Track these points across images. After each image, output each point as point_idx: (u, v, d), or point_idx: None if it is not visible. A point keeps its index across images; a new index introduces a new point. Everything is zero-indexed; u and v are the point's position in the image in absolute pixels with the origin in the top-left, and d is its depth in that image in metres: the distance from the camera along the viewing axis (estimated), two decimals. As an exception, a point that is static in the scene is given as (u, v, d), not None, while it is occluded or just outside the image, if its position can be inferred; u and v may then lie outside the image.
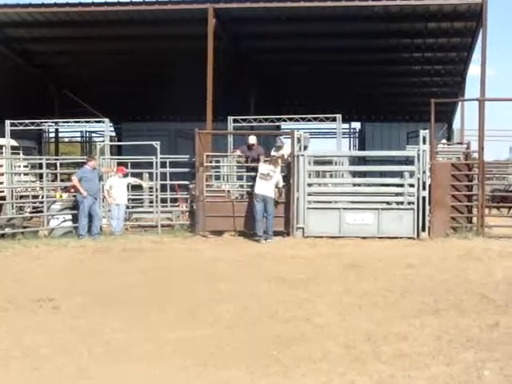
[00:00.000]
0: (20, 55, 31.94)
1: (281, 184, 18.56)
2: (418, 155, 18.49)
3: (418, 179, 18.39)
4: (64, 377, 7.07)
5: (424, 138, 18.54)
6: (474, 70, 33.63)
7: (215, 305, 10.34)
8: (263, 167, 18.71)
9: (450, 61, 31.26)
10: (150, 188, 22.79)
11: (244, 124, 25.54)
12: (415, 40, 28.71)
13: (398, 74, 34.20)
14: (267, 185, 18.31)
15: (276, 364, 7.41)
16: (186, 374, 7.13)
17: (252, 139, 21.27)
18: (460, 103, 33.19)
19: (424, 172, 18.34)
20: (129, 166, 21.53)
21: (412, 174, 18.63)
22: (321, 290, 11.42)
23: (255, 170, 19.66)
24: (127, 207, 20.87)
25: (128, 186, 20.81)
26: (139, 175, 22.45)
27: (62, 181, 24.78)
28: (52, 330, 8.92)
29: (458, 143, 29.55)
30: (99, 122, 27.99)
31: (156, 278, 12.81)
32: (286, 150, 20.35)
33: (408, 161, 21.01)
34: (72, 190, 21.08)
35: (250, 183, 20.28)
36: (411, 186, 18.54)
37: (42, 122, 28.39)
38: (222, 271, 13.09)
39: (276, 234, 18.50)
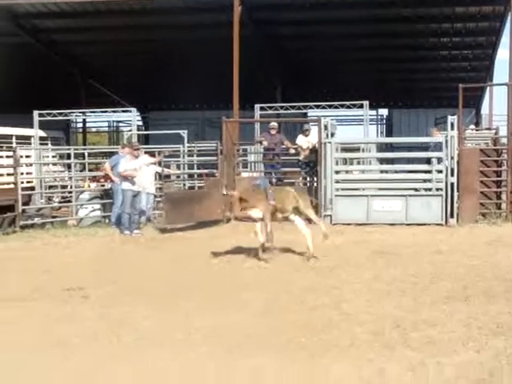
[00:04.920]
0: (47, 46, 32.07)
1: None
2: (446, 141, 18.37)
3: (446, 166, 18.28)
4: (95, 365, 7.12)
5: (452, 124, 18.40)
6: (502, 54, 33.25)
7: (243, 292, 10.35)
8: None
9: (478, 45, 31.03)
10: (178, 176, 22.86)
11: (271, 112, 25.52)
12: (443, 25, 28.51)
13: (426, 59, 33.98)
14: None
15: (304, 351, 7.41)
16: (214, 361, 7.14)
17: (273, 123, 21.47)
18: (488, 88, 32.93)
19: (452, 158, 18.21)
20: (156, 155, 21.54)
21: (440, 160, 18.51)
22: (349, 277, 11.41)
23: (277, 156, 21.15)
24: (155, 196, 20.90)
25: (156, 175, 20.83)
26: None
27: (90, 170, 24.92)
28: (82, 319, 8.97)
29: (487, 129, 29.33)
30: (126, 111, 28.08)
31: (185, 265, 12.82)
32: (313, 137, 20.33)
33: (436, 147, 20.88)
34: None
35: (269, 170, 21.30)
36: (439, 172, 18.43)
37: (69, 113, 28.56)
38: (251, 258, 13.08)
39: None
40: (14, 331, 8.47)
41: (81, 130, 44.08)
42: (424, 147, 22.89)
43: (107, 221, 19.99)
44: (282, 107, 26.15)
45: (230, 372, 6.83)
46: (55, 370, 7.02)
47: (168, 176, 21.41)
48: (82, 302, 10.08)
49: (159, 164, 19.85)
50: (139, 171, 17.79)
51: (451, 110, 25.85)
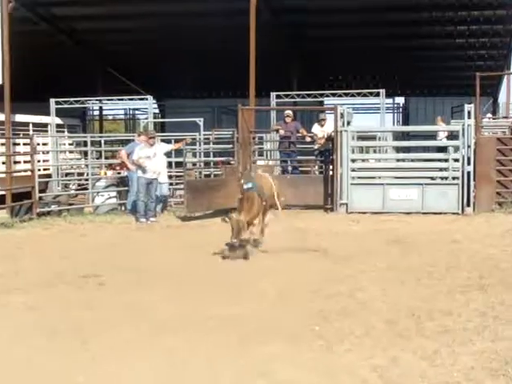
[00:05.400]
0: (65, 34, 32.14)
1: None
2: (463, 130, 18.29)
3: (463, 154, 18.21)
4: (111, 351, 7.18)
5: (469, 113, 18.32)
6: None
7: (258, 280, 10.38)
8: None
9: (495, 33, 30.83)
10: (194, 164, 22.92)
11: (287, 100, 25.50)
12: (460, 13, 28.35)
13: (443, 47, 33.75)
14: None
15: (319, 339, 7.43)
16: (229, 349, 7.17)
17: (288, 112, 21.49)
18: (506, 77, 32.75)
19: (469, 147, 18.13)
20: (172, 143, 21.55)
21: (457, 149, 18.45)
22: (364, 266, 11.40)
23: (293, 144, 21.34)
24: (170, 184, 20.95)
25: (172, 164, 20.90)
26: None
27: (106, 158, 24.99)
28: (98, 306, 9.03)
29: (504, 117, 29.21)
30: (143, 99, 28.14)
31: (200, 253, 12.82)
32: (328, 126, 20.38)
33: (452, 135, 20.82)
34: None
35: (284, 158, 21.43)
36: (456, 160, 18.36)
37: (86, 100, 28.64)
38: (266, 246, 13.08)
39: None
40: (32, 317, 8.54)
41: (97, 117, 44.20)
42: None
43: (123, 208, 20.05)
44: (298, 95, 26.11)
45: (244, 360, 6.86)
46: (72, 356, 7.07)
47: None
48: (98, 288, 10.15)
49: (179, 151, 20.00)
50: (154, 159, 17.81)
51: (468, 99, 25.75)
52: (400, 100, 43.75)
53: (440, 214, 17.82)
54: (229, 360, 6.85)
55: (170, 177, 20.85)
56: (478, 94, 18.94)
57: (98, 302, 9.26)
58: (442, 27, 30.36)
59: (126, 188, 19.88)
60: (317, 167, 21.74)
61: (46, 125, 26.47)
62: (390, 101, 40.71)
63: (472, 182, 18.13)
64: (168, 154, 20.14)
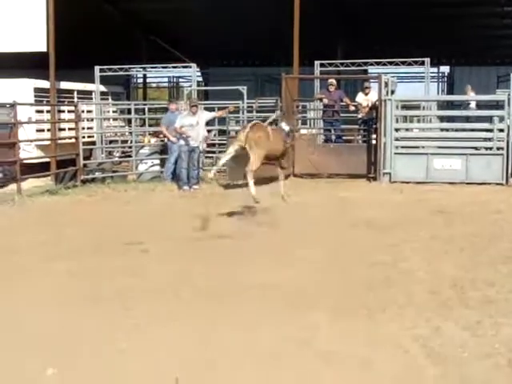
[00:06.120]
0: (108, 1, 32.17)
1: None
2: (509, 99, 18.05)
3: (508, 124, 17.99)
4: (153, 318, 7.26)
5: (515, 82, 18.09)
6: None
7: (299, 249, 10.39)
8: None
9: (544, 1, 30.25)
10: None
11: (331, 68, 25.32)
12: (508, -20, 27.89)
13: (489, 15, 33.22)
14: None
15: (362, 308, 7.45)
16: (271, 316, 7.21)
17: (331, 80, 21.37)
18: (554, 45, 32.16)
19: (515, 117, 17.92)
20: (215, 111, 21.57)
21: (502, 119, 18.22)
22: (407, 235, 11.38)
23: (336, 113, 21.19)
24: (213, 152, 21.01)
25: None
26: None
27: (150, 126, 25.07)
28: (141, 273, 9.11)
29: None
30: (186, 67, 28.15)
31: (243, 222, 12.84)
32: (372, 95, 20.27)
33: (498, 105, 20.56)
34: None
35: (328, 127, 21.41)
36: (501, 130, 18.15)
37: (130, 68, 28.72)
38: (309, 215, 13.10)
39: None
40: (75, 284, 8.67)
41: (141, 85, 44.31)
42: (486, 105, 22.65)
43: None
44: (342, 64, 25.93)
45: (286, 328, 6.89)
46: (116, 323, 7.16)
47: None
48: (141, 256, 10.23)
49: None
50: (196, 127, 17.87)
51: (515, 68, 25.34)
52: (445, 69, 43.21)
53: (484, 184, 17.67)
54: (270, 328, 6.90)
55: (213, 145, 21.01)
56: (525, 63, 18.66)
57: (141, 270, 9.35)
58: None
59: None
60: (360, 136, 21.65)
61: (90, 92, 26.58)
62: (434, 70, 40.22)
63: (517, 153, 17.95)
64: (211, 122, 20.18)
